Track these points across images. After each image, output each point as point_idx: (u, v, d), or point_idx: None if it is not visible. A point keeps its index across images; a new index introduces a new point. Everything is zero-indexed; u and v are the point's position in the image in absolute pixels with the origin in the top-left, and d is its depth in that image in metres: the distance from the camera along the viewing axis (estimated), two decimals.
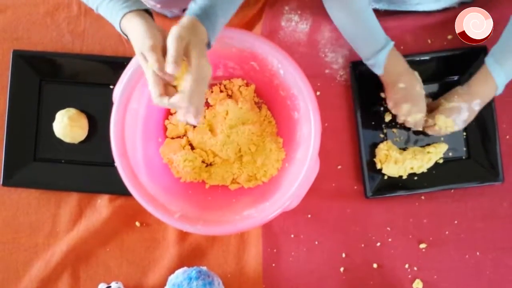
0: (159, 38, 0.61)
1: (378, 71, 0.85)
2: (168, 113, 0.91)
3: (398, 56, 0.85)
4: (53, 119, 0.94)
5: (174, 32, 0.60)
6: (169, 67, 0.58)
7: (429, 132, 0.90)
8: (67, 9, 1.00)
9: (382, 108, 0.94)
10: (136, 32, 0.63)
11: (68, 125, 0.92)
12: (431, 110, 0.90)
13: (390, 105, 0.88)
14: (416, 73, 0.87)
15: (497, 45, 0.84)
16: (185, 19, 0.63)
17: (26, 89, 0.95)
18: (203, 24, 0.63)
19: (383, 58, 0.83)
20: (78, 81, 0.96)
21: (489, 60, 0.83)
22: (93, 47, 0.99)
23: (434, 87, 0.95)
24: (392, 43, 0.84)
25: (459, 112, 0.86)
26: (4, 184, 0.94)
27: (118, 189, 0.86)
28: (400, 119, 0.89)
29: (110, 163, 0.90)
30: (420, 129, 0.90)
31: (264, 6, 0.99)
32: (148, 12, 0.66)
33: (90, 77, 0.95)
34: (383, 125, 0.95)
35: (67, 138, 0.93)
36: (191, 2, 0.66)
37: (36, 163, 0.95)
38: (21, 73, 0.95)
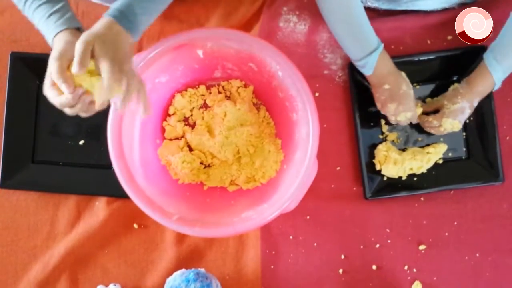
0: (69, 52, 0.61)
1: (368, 72, 0.85)
2: (166, 115, 0.91)
3: (387, 57, 0.85)
4: (51, 121, 0.94)
5: (81, 38, 0.60)
6: (74, 68, 0.59)
7: (432, 131, 0.90)
8: None
9: None
10: (54, 47, 0.64)
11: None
12: (433, 109, 0.90)
13: (378, 106, 0.88)
14: (403, 73, 0.87)
15: (495, 41, 0.84)
16: (99, 22, 0.64)
17: (24, 91, 0.95)
18: (121, 25, 0.64)
19: (374, 59, 0.83)
20: None
21: (488, 57, 0.84)
22: None
23: (433, 87, 0.95)
24: (383, 44, 0.84)
25: (463, 112, 0.87)
26: (2, 186, 0.94)
27: (116, 191, 0.86)
28: (391, 120, 0.89)
29: (108, 165, 0.90)
30: (416, 122, 0.89)
31: (262, 7, 0.98)
32: (79, 29, 0.68)
33: None
34: (382, 126, 0.94)
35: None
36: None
37: (34, 165, 0.95)
38: (20, 75, 0.95)
